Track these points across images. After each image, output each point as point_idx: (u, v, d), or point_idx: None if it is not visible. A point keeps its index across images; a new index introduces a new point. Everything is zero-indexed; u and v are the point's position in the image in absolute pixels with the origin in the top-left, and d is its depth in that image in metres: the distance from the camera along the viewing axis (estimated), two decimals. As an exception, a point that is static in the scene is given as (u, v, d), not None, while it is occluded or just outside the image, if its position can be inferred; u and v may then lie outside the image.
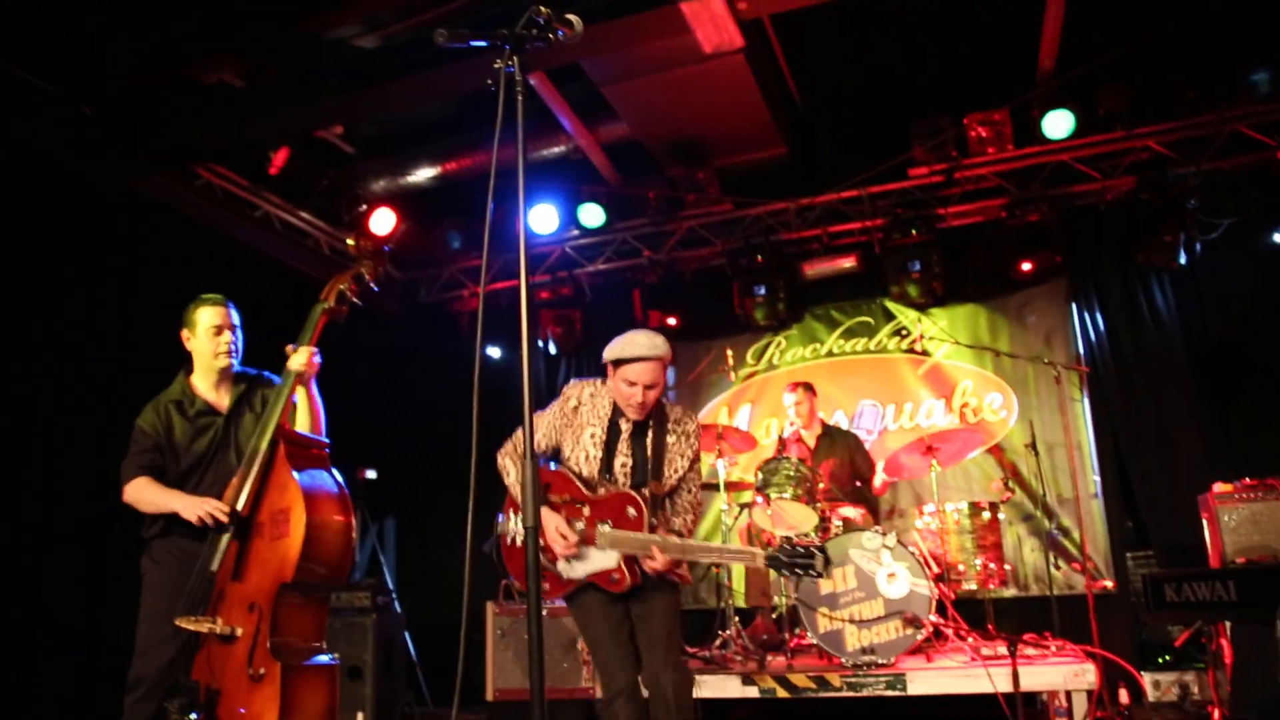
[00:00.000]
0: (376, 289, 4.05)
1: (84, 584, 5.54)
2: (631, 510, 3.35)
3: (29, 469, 5.38)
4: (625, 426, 3.53)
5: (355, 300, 3.97)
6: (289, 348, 3.77)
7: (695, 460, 3.57)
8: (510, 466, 3.58)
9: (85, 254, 5.74)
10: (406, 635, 7.00)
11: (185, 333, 3.83)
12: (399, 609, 7.07)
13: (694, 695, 3.49)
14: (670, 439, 3.53)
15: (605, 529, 3.33)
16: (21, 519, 5.30)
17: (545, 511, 3.39)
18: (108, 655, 3.62)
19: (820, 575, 3.21)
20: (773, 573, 5.40)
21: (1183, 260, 6.43)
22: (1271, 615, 2.43)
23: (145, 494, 3.64)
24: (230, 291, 3.95)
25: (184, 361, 3.89)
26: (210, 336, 3.79)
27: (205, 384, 3.86)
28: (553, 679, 5.05)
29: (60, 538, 5.49)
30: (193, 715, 3.35)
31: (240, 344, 3.87)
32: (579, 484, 3.47)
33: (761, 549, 3.34)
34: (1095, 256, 6.86)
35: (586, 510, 3.41)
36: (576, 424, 3.56)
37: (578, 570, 3.41)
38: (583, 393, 3.62)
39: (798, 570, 3.21)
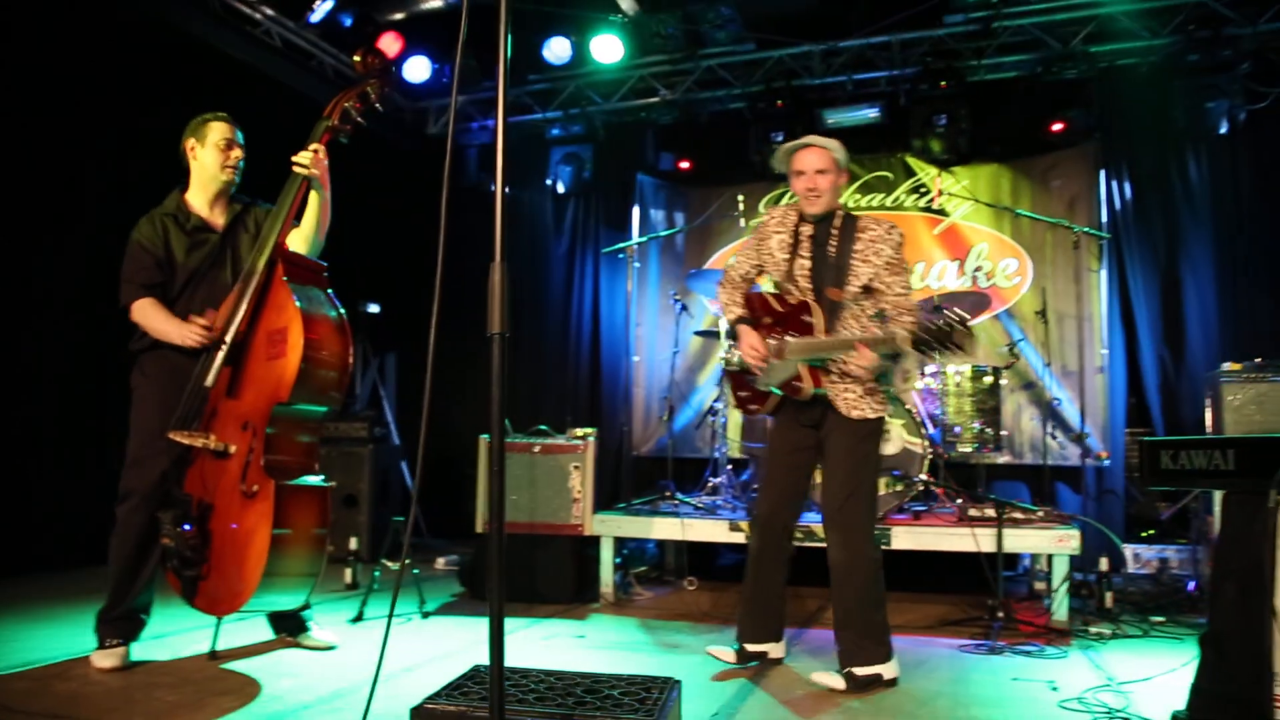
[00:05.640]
0: (381, 109, 3.90)
1: (82, 395, 5.59)
2: (806, 317, 3.43)
3: (27, 284, 5.36)
4: (806, 230, 3.53)
5: (359, 120, 3.88)
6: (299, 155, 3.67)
7: (893, 268, 3.41)
8: (721, 294, 3.71)
9: (76, 69, 5.53)
10: (404, 467, 7.12)
11: (191, 142, 3.73)
12: (397, 441, 7.17)
13: (872, 572, 3.40)
14: (857, 245, 3.43)
15: (790, 339, 3.44)
16: (20, 333, 5.33)
17: (743, 329, 3.55)
18: (107, 465, 3.66)
19: (960, 347, 3.15)
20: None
21: (1224, 130, 6.11)
22: (1266, 486, 2.37)
23: (149, 318, 3.60)
24: (229, 111, 3.81)
25: (179, 180, 3.78)
26: (221, 149, 3.71)
27: (200, 201, 3.77)
28: (543, 515, 5.10)
29: (54, 353, 5.52)
30: (185, 526, 3.40)
31: (242, 165, 3.79)
32: (775, 302, 3.56)
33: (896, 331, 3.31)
34: (1130, 121, 6.52)
35: (778, 325, 3.53)
36: (768, 238, 3.60)
37: (772, 379, 3.50)
38: (775, 211, 3.65)
39: (934, 346, 3.16)
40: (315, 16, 6.59)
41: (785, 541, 3.58)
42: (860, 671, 3.33)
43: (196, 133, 3.72)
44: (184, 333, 3.54)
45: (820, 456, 3.55)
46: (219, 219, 3.78)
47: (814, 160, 3.43)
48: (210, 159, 3.71)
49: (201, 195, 3.76)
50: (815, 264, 3.46)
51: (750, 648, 3.63)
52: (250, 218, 3.84)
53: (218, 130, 3.71)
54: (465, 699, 2.12)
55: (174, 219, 3.70)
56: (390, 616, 1.98)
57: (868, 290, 3.43)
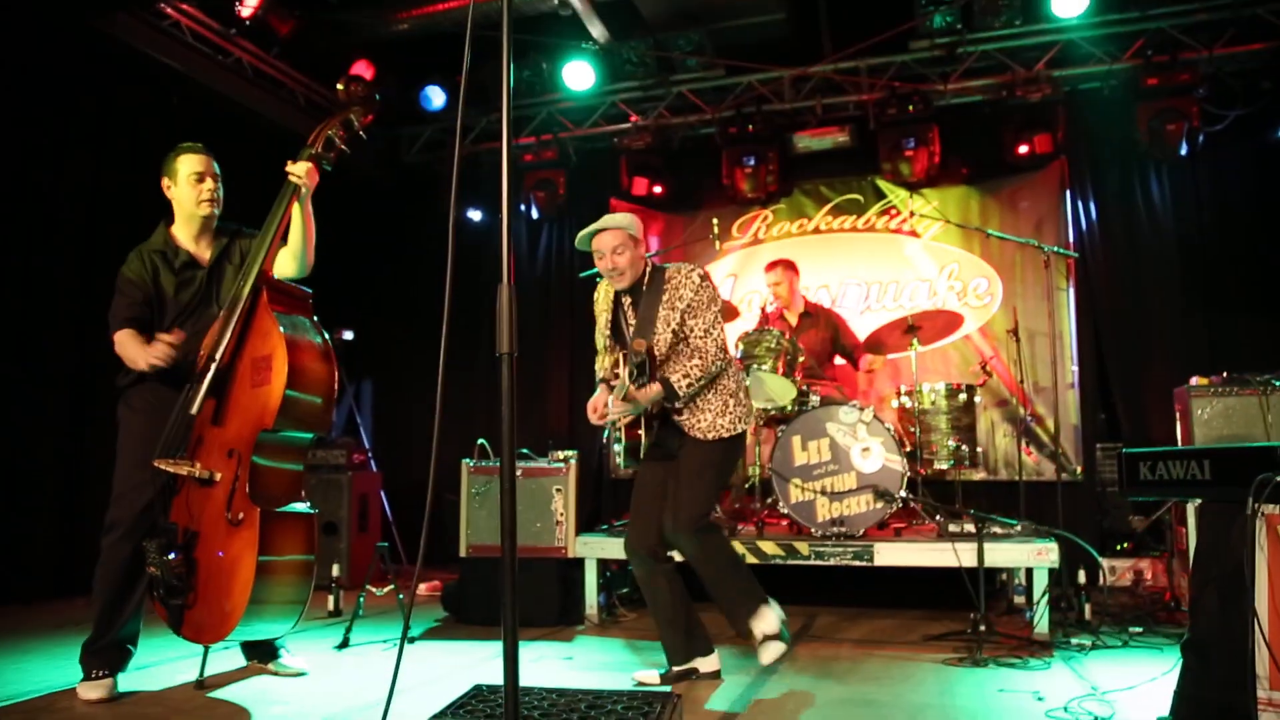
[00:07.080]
0: (365, 137, 3.93)
1: (67, 431, 5.56)
2: (618, 371, 3.66)
3: (7, 320, 5.34)
4: (626, 299, 3.81)
5: (344, 148, 3.87)
6: (290, 163, 3.68)
7: (692, 310, 3.64)
8: (598, 368, 3.99)
9: (48, 101, 5.52)
10: (382, 494, 7.08)
11: (166, 181, 3.71)
12: (375, 468, 7.14)
13: (712, 550, 3.71)
14: (664, 296, 3.66)
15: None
16: (19, 363, 5.33)
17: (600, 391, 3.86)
18: (90, 498, 3.61)
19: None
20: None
21: (1184, 152, 6.29)
22: (1242, 495, 2.45)
23: (125, 349, 3.57)
24: (202, 140, 3.80)
25: (161, 209, 3.76)
26: (192, 184, 3.67)
27: (186, 235, 3.75)
28: (526, 538, 5.10)
29: (42, 386, 5.48)
30: (171, 555, 3.39)
31: (221, 194, 3.75)
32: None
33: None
34: (1094, 143, 6.72)
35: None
36: (598, 318, 3.92)
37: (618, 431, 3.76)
38: (597, 292, 3.95)
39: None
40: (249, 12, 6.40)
41: (664, 558, 3.77)
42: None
43: (168, 170, 3.69)
44: (147, 356, 3.49)
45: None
46: (205, 252, 3.76)
47: (609, 241, 3.65)
48: (185, 195, 3.68)
49: (185, 230, 3.74)
50: (639, 323, 3.70)
51: (676, 668, 3.74)
52: (236, 248, 3.82)
53: (187, 164, 3.67)
54: (471, 716, 2.13)
55: (162, 255, 3.68)
56: (404, 637, 1.99)
57: (681, 335, 3.66)
